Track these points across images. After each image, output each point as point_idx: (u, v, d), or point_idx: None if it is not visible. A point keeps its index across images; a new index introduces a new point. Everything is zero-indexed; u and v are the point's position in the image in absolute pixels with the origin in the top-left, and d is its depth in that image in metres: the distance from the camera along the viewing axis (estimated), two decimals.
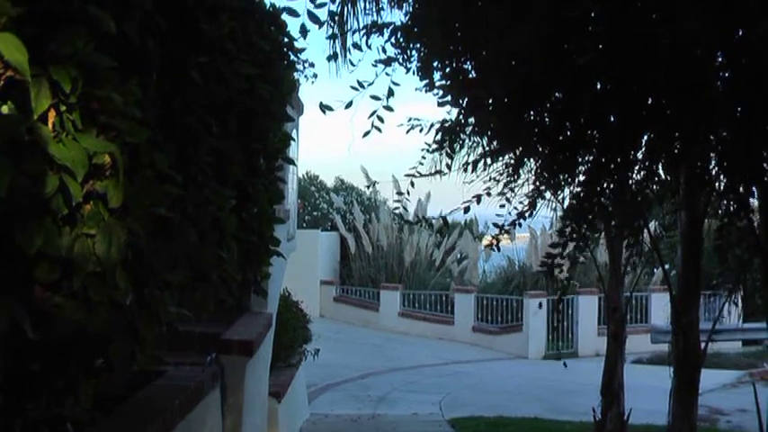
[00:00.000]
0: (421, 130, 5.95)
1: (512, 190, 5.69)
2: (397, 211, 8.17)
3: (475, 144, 5.90)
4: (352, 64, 5.82)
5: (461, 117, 5.49)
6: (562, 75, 4.46)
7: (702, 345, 5.76)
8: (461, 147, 5.89)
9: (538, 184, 5.48)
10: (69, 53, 1.60)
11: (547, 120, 5.13)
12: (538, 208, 5.62)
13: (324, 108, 4.33)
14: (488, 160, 5.73)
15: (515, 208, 5.59)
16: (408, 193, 5.95)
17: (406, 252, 21.65)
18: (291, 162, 4.66)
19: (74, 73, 1.59)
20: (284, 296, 7.92)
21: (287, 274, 6.86)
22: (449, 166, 5.91)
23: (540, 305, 17.05)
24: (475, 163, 5.68)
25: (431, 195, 21.85)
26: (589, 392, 7.71)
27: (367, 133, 5.41)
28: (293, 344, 8.16)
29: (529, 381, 13.99)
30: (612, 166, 4.95)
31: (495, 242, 5.84)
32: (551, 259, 5.36)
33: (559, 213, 6.47)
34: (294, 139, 5.36)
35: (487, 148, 5.71)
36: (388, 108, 5.31)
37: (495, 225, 5.71)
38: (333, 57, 5.74)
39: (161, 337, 2.13)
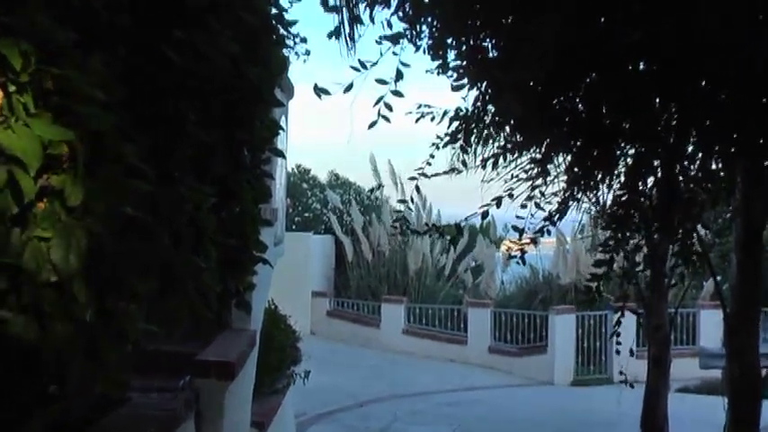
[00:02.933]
0: (432, 119, 5.93)
1: (541, 194, 5.66)
2: (397, 230, 8.18)
3: (495, 136, 5.87)
4: (352, 40, 5.74)
5: (479, 104, 5.46)
6: (599, 54, 4.44)
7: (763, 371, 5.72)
8: (479, 139, 5.86)
9: (569, 182, 5.45)
10: (21, 25, 1.57)
11: (580, 107, 5.11)
12: (569, 211, 5.60)
13: (319, 92, 4.26)
14: (511, 155, 5.70)
15: (543, 210, 5.57)
16: (412, 199, 5.91)
17: (410, 258, 21.56)
18: (280, 154, 4.63)
19: (25, 47, 1.57)
20: (270, 310, 7.91)
21: (274, 284, 6.84)
22: (464, 163, 5.89)
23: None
24: (495, 158, 5.66)
25: (427, 198, 21.72)
26: (627, 425, 7.68)
27: (373, 124, 5.35)
28: (280, 366, 8.13)
29: (555, 411, 13.96)
30: (657, 160, 4.93)
31: (520, 252, 5.81)
32: (598, 281, 5.33)
33: (593, 215, 6.45)
34: (283, 129, 5.34)
35: (510, 141, 5.69)
36: (397, 93, 5.25)
37: (516, 229, 5.65)
38: (335, 33, 5.63)
39: (126, 358, 2.11)
